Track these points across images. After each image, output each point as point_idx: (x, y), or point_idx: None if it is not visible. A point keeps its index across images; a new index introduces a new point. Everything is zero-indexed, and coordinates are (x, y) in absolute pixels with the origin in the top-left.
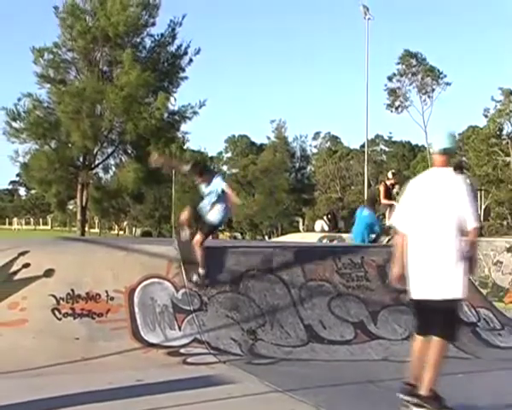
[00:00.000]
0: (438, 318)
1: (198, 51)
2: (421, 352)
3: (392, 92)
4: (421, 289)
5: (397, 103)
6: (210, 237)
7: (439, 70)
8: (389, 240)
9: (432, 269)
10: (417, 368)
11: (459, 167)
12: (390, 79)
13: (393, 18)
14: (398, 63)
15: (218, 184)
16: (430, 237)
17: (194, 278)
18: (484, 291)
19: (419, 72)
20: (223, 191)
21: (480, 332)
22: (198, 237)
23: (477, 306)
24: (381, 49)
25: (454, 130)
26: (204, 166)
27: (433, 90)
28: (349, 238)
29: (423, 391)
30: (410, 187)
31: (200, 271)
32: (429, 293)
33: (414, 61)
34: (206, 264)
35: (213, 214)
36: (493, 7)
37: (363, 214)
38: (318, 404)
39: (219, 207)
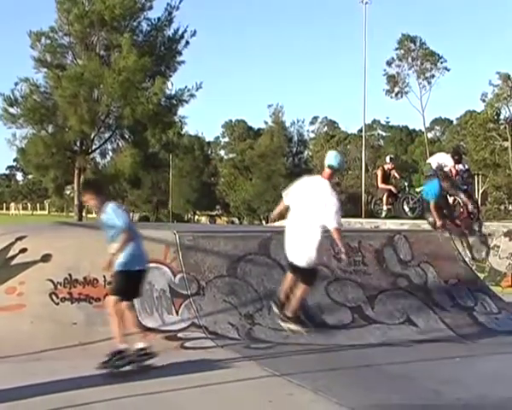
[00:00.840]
0: (299, 273)
1: (194, 33)
2: (290, 282)
3: (391, 78)
4: (290, 254)
5: (396, 89)
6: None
7: (438, 54)
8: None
9: (297, 245)
10: (286, 291)
11: (457, 153)
12: (389, 63)
13: (391, 2)
14: (397, 48)
15: (111, 217)
16: (300, 223)
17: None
18: (481, 276)
19: (418, 56)
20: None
21: (477, 316)
22: (109, 302)
23: (474, 290)
24: (380, 34)
25: (341, 154)
26: (98, 184)
27: (433, 76)
28: (346, 223)
29: (289, 313)
30: (300, 182)
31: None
32: (293, 259)
33: (413, 46)
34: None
35: (118, 259)
36: None
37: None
38: (317, 388)
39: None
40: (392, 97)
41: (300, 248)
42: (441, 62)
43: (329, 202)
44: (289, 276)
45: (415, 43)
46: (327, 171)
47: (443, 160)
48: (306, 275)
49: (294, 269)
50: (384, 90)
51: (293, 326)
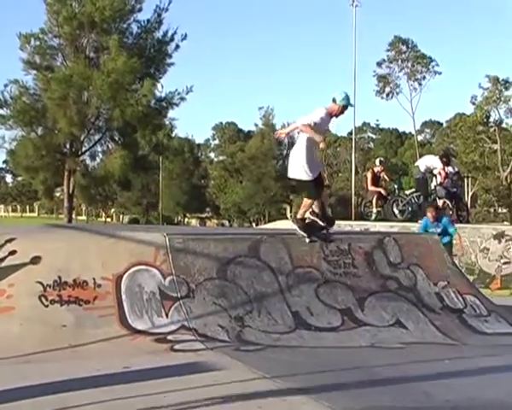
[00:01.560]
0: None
1: (185, 37)
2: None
3: (382, 78)
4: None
5: (387, 90)
6: None
7: (430, 57)
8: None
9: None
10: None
11: (445, 155)
12: (379, 64)
13: (382, 6)
14: (388, 50)
15: None
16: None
17: None
18: (471, 278)
19: (409, 58)
20: None
21: (467, 319)
22: None
23: (464, 292)
24: (370, 38)
25: (348, 93)
26: None
27: (424, 78)
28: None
29: (298, 215)
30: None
31: None
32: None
33: (404, 48)
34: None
35: None
36: None
37: None
38: (307, 391)
39: None
40: (382, 98)
41: (291, 160)
42: (432, 66)
43: (313, 114)
44: None
45: (407, 45)
46: (331, 104)
47: (431, 162)
48: (302, 189)
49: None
50: (374, 91)
51: (298, 230)
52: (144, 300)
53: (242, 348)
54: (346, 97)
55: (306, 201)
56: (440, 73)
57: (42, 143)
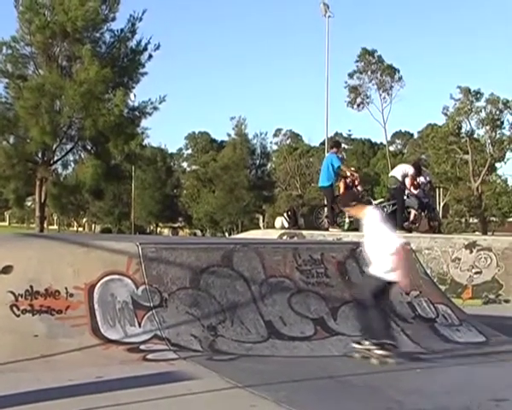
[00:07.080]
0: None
1: (158, 47)
2: None
3: (353, 89)
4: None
5: (358, 100)
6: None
7: (395, 68)
8: None
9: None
10: None
11: (417, 164)
12: (351, 75)
13: (354, 17)
14: (357, 61)
15: None
16: None
17: None
18: (442, 288)
19: (378, 69)
20: None
21: (439, 328)
22: None
23: (435, 302)
24: (343, 47)
25: None
26: None
27: (392, 87)
28: (309, 235)
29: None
30: None
31: None
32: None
33: (372, 59)
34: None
35: None
36: (452, 7)
37: None
38: (279, 400)
39: None
40: (353, 108)
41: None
42: (398, 78)
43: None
44: None
45: (373, 56)
46: None
47: (406, 169)
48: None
49: None
50: (346, 102)
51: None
52: (117, 309)
53: (215, 357)
54: None
55: None
56: (404, 85)
57: (13, 152)
